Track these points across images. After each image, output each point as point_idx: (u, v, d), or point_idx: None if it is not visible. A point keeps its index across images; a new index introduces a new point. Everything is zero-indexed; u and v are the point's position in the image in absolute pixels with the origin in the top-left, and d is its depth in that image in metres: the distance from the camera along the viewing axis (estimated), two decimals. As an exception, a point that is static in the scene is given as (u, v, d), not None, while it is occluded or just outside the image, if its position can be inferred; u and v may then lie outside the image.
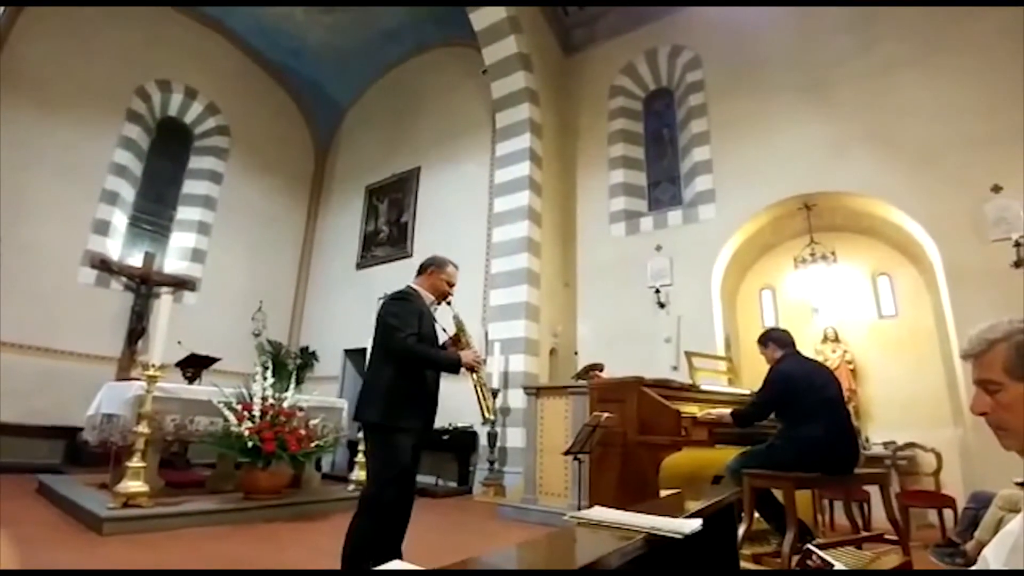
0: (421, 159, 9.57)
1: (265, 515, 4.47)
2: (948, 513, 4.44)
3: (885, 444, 5.88)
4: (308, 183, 11.35)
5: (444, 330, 2.79)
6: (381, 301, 2.73)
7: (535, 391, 5.48)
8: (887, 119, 6.22)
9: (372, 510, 2.38)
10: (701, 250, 7.13)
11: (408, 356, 2.49)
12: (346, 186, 10.85)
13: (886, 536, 3.23)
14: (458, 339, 2.71)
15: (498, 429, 6.88)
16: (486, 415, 2.59)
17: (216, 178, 9.83)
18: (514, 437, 6.84)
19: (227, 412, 4.59)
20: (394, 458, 2.42)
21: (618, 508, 1.74)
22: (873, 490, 3.97)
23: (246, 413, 4.62)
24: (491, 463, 6.74)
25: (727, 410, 3.46)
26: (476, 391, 2.61)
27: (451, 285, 2.78)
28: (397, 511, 2.44)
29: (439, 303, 2.79)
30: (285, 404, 4.90)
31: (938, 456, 4.91)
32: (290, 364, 9.39)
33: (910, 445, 5.19)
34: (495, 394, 6.79)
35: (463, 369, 2.60)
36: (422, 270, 2.80)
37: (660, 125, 8.56)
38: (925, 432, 5.57)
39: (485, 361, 2.80)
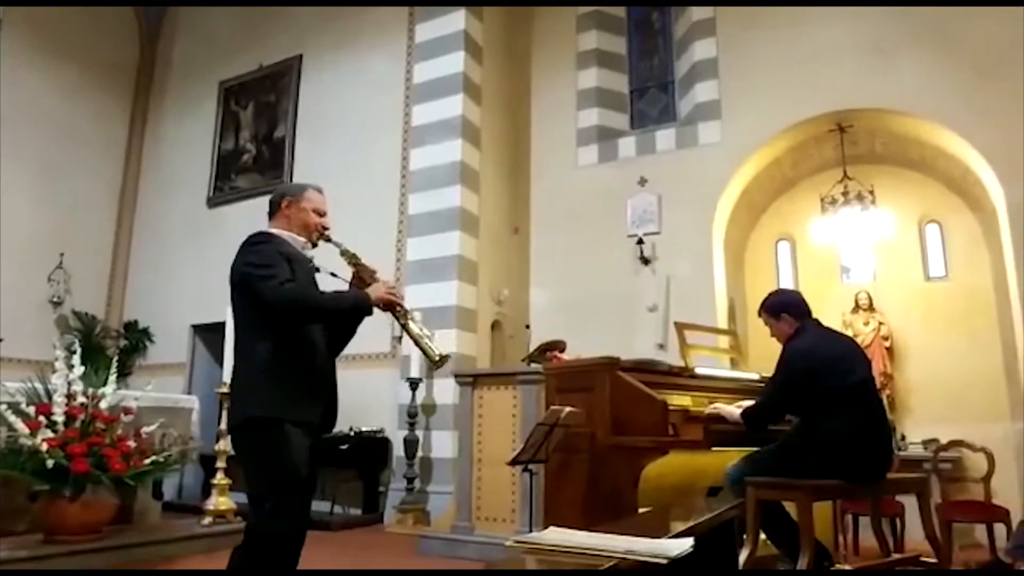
0: (303, 44, 9.29)
1: (78, 564, 4.39)
2: (1000, 528, 4.79)
3: (925, 443, 6.29)
4: (132, 76, 10.90)
5: (335, 275, 2.84)
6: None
7: (471, 379, 5.57)
8: (946, 15, 6.42)
9: (261, 548, 2.33)
10: (700, 185, 7.27)
11: (290, 308, 2.50)
12: (190, 82, 10.47)
13: (923, 558, 3.49)
14: (361, 277, 2.73)
15: (419, 433, 6.95)
16: (434, 358, 2.65)
17: (-17, 65, 9.17)
18: (441, 444, 6.94)
19: (13, 418, 4.46)
20: (288, 464, 2.38)
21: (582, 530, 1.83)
22: (908, 501, 4.30)
23: (43, 418, 4.50)
24: (409, 481, 6.82)
25: (736, 409, 3.57)
26: (409, 335, 2.67)
27: (321, 214, 2.81)
28: (292, 546, 2.40)
29: (314, 244, 2.83)
30: (103, 404, 4.82)
31: (990, 457, 5.24)
32: (110, 347, 9.24)
33: (955, 444, 5.48)
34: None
35: (377, 309, 2.62)
36: (274, 209, 2.81)
37: (648, 5, 8.59)
38: (975, 427, 5.93)
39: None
